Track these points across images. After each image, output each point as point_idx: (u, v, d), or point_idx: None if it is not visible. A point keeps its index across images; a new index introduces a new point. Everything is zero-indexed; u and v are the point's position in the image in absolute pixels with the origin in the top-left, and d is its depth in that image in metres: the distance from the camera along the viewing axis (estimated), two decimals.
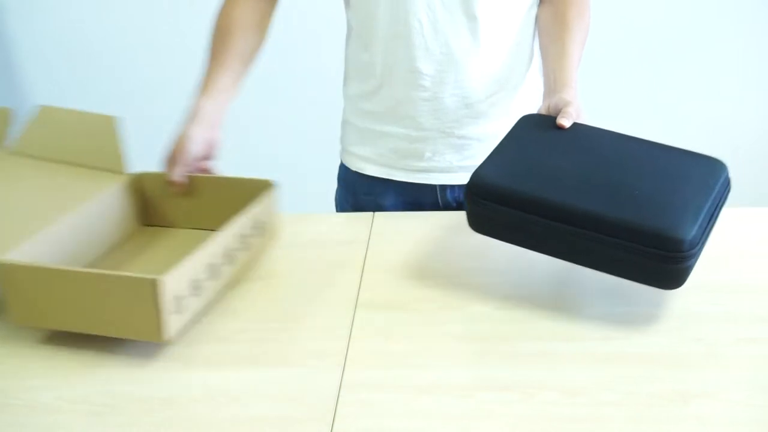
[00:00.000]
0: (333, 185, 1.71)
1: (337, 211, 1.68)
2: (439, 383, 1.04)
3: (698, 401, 0.99)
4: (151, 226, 1.45)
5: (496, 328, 1.15)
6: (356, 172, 1.61)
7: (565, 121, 1.25)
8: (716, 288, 1.22)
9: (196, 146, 1.36)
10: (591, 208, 1.10)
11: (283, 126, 2.86)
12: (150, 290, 1.06)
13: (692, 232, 1.07)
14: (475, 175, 1.18)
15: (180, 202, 1.41)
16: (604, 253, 1.11)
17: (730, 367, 1.05)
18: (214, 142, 1.40)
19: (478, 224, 1.20)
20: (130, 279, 1.07)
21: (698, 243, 1.07)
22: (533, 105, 1.48)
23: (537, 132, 1.25)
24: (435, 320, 1.17)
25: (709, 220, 1.12)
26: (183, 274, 1.11)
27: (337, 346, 1.12)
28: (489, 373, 1.05)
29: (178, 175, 1.35)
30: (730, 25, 2.65)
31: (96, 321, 1.11)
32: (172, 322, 1.10)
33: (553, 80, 1.38)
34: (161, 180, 1.39)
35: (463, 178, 1.50)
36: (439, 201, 1.57)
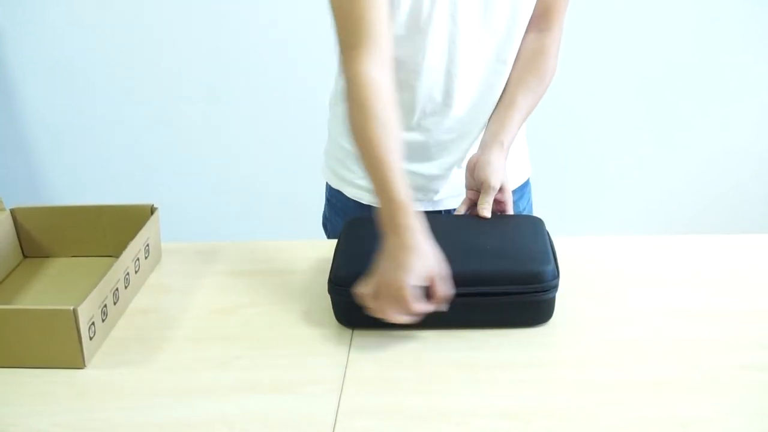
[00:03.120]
0: (317, 207, 1.71)
1: (329, 234, 1.66)
2: (436, 410, 1.03)
3: (696, 427, 0.98)
4: (32, 257, 1.49)
5: (493, 355, 1.15)
6: (355, 200, 1.60)
7: (486, 212, 1.33)
8: (715, 314, 1.22)
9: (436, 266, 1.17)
10: (461, 268, 1.18)
11: (271, 151, 2.87)
12: (69, 320, 1.11)
13: (550, 266, 1.20)
14: (334, 273, 1.22)
15: (59, 232, 1.47)
16: (478, 306, 1.19)
17: (729, 393, 1.04)
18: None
19: (348, 316, 1.23)
20: (48, 311, 1.12)
21: (558, 274, 1.20)
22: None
23: (368, 229, 1.24)
24: (432, 346, 1.17)
25: (554, 255, 1.24)
26: (94, 301, 1.17)
27: (334, 372, 1.12)
28: (486, 400, 1.05)
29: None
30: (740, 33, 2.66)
31: (16, 354, 1.15)
32: (90, 348, 1.16)
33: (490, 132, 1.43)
34: (37, 213, 1.47)
35: None
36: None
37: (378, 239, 1.21)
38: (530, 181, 1.66)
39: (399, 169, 1.18)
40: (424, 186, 1.52)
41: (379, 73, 1.24)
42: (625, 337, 1.17)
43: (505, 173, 1.38)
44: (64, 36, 2.73)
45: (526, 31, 1.44)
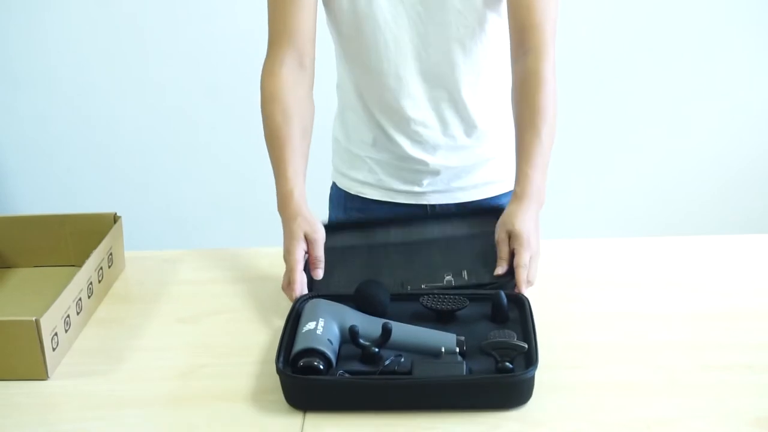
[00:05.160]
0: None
1: None
2: (403, 416, 1.03)
3: (660, 428, 0.99)
4: None
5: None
6: (345, 191, 1.61)
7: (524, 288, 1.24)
8: (677, 316, 1.24)
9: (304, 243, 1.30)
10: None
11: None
12: (31, 331, 1.10)
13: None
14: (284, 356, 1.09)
15: (20, 242, 1.45)
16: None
17: (692, 393, 1.06)
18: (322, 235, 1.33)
19: (301, 398, 1.07)
20: (10, 322, 1.11)
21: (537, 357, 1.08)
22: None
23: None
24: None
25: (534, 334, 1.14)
26: (57, 312, 1.15)
27: None
28: None
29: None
30: (739, 29, 2.68)
31: None
32: (53, 359, 1.14)
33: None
34: None
35: (459, 197, 1.56)
36: (428, 213, 1.58)
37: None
38: None
39: (290, 160, 1.34)
40: (409, 177, 1.54)
41: (289, 71, 1.39)
42: (589, 339, 1.18)
43: (513, 222, 1.29)
44: (27, 39, 2.71)
45: (512, 61, 1.40)
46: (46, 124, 2.83)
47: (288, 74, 1.39)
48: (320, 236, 1.31)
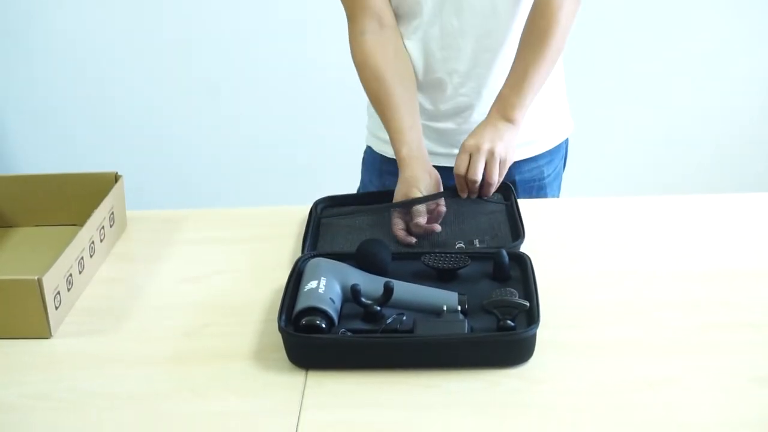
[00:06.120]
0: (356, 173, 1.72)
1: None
2: (405, 373, 1.03)
3: (664, 387, 0.99)
4: None
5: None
6: (381, 154, 1.61)
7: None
8: (680, 275, 1.23)
9: (424, 183, 1.34)
10: None
11: (307, 118, 2.83)
12: (34, 290, 1.10)
13: None
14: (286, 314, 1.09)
15: (22, 202, 1.45)
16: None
17: (694, 353, 1.06)
18: (437, 177, 1.38)
19: (303, 357, 1.07)
20: (13, 281, 1.11)
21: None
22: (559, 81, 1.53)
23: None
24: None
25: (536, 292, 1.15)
26: (59, 271, 1.15)
27: None
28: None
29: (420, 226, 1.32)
30: (720, 14, 2.67)
31: None
32: (56, 318, 1.14)
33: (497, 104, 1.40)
34: None
35: None
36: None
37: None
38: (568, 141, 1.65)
39: (396, 122, 1.40)
40: (447, 139, 1.54)
41: (372, 36, 1.43)
42: (590, 298, 1.18)
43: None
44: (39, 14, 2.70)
45: None
46: (47, 83, 2.81)
47: (371, 40, 1.44)
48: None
